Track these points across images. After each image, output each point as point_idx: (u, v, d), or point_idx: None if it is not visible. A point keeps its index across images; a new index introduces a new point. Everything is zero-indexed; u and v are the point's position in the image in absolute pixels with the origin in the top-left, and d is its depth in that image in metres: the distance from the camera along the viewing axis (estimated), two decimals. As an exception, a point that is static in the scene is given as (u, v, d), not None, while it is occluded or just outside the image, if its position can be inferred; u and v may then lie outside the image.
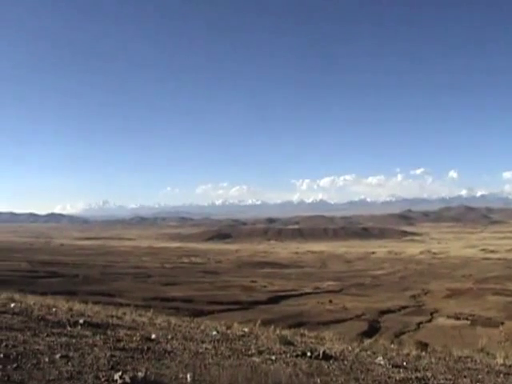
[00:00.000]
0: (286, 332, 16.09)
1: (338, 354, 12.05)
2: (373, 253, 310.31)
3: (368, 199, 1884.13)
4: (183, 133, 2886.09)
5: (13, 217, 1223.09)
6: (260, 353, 11.46)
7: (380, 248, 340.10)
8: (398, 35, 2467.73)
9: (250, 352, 11.46)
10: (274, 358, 10.91)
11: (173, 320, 17.57)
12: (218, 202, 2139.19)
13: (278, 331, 15.91)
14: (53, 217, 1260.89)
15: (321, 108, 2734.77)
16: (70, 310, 16.94)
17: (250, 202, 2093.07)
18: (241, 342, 12.92)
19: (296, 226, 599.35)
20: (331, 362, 11.04)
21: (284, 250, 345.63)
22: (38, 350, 9.73)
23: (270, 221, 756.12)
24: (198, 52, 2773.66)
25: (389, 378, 9.89)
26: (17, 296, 20.76)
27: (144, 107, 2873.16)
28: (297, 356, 11.32)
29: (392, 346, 15.26)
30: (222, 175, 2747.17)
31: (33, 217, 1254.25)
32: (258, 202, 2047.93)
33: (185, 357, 10.20)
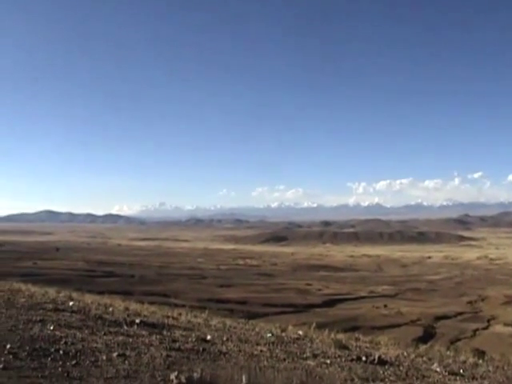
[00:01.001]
0: (340, 336, 16.00)
1: (393, 360, 11.93)
2: (429, 257, 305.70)
3: (425, 203, 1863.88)
4: (241, 135, 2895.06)
5: (71, 217, 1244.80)
6: (315, 356, 11.42)
7: (436, 253, 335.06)
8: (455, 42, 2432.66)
9: (304, 355, 11.42)
10: (328, 361, 10.86)
11: (228, 321, 17.61)
12: (274, 205, 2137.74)
13: (332, 335, 15.83)
14: (110, 217, 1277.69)
15: (378, 111, 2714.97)
16: (127, 309, 17.13)
17: (305, 204, 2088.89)
18: (296, 345, 12.89)
19: (352, 230, 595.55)
20: (386, 367, 10.93)
21: (339, 253, 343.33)
22: (95, 347, 9.89)
23: (326, 224, 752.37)
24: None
25: (445, 385, 9.76)
26: (75, 295, 21.09)
27: (202, 109, 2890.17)
28: (352, 360, 11.25)
29: (448, 352, 14.99)
30: (278, 178, 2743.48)
31: (90, 217, 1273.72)
32: (314, 205, 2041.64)
33: (240, 359, 10.23)
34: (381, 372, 10.25)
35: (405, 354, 13.40)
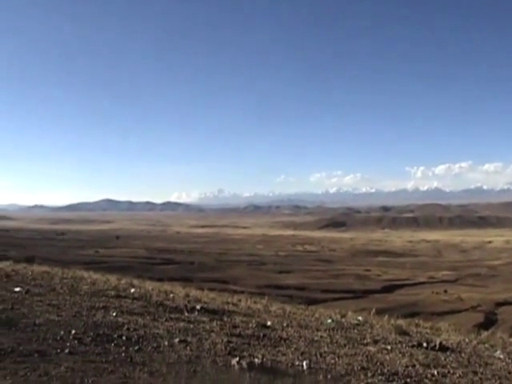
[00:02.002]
0: (400, 322, 15.88)
1: (454, 346, 11.78)
2: (489, 242, 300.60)
3: (484, 187, 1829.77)
4: (298, 121, 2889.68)
5: (131, 205, 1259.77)
6: (375, 342, 11.38)
7: (497, 237, 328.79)
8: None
9: (365, 341, 11.39)
10: (389, 347, 10.81)
11: (287, 307, 17.63)
12: (332, 190, 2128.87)
13: (392, 321, 15.73)
14: (169, 205, 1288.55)
15: (437, 95, 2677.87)
16: (187, 296, 17.27)
17: (363, 189, 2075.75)
18: (356, 331, 12.86)
19: (410, 215, 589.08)
20: (448, 353, 10.80)
21: (398, 238, 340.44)
22: (157, 333, 10.03)
23: (385, 209, 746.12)
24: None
25: (509, 373, 9.57)
26: (136, 282, 21.35)
27: (258, 96, 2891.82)
28: (412, 346, 11.16)
29: (511, 339, 14.75)
30: (336, 163, 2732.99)
31: (149, 205, 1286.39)
32: (372, 190, 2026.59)
33: (300, 344, 10.26)
34: (442, 358, 10.14)
35: (466, 340, 13.21)
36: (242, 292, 36.69)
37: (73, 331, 9.35)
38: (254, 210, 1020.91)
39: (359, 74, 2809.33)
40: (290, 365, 8.38)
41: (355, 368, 8.50)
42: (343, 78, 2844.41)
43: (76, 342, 8.74)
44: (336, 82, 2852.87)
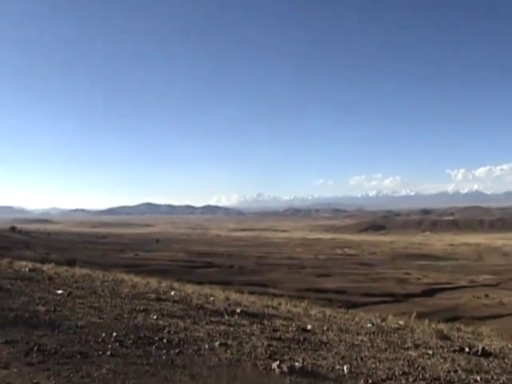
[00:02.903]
0: (441, 326, 15.69)
1: (497, 352, 11.54)
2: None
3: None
4: (336, 125, 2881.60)
5: (171, 209, 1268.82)
6: (416, 347, 11.26)
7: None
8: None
9: (406, 345, 11.28)
10: (430, 352, 10.68)
11: (327, 311, 17.57)
12: (372, 194, 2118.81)
13: (433, 325, 15.57)
14: (208, 209, 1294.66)
15: (477, 96, 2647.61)
16: (227, 299, 17.31)
17: (403, 192, 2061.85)
18: (396, 335, 12.75)
19: (451, 218, 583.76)
20: (491, 359, 10.59)
21: (439, 241, 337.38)
22: (198, 336, 10.06)
23: (425, 212, 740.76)
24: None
25: (554, 379, 9.41)
26: (176, 285, 21.47)
27: (297, 99, 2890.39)
28: (454, 351, 10.99)
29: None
30: (376, 166, 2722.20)
31: (189, 209, 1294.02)
32: (412, 193, 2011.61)
33: (341, 348, 10.20)
34: (485, 364, 9.94)
35: (509, 346, 12.97)
36: (282, 295, 36.52)
37: (114, 333, 9.44)
38: (294, 213, 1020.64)
39: (401, 78, 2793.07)
40: (330, 369, 8.33)
41: (396, 373, 8.42)
42: (387, 82, 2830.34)
43: (117, 344, 8.81)
44: (376, 86, 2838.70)
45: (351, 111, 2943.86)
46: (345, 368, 8.33)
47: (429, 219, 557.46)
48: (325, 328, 12.62)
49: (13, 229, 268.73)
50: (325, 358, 9.14)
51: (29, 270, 19.54)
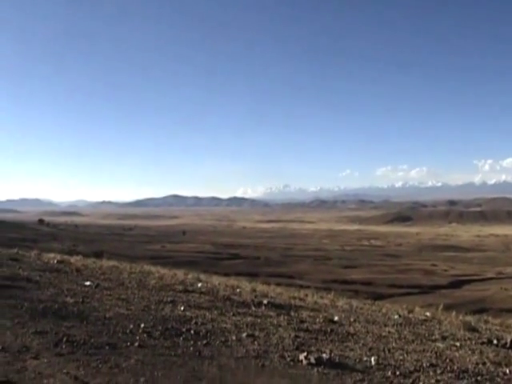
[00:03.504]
0: (469, 318, 15.59)
1: (526, 344, 11.50)
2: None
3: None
4: (363, 116, 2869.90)
5: (197, 201, 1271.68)
6: (444, 338, 11.20)
7: None
8: None
9: (433, 337, 11.23)
10: (458, 344, 10.61)
11: (354, 302, 17.53)
12: (398, 185, 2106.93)
13: (460, 317, 15.47)
14: (235, 200, 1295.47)
15: (504, 88, 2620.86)
16: (254, 290, 17.33)
17: (430, 183, 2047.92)
18: (423, 327, 12.70)
19: (478, 209, 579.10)
20: (520, 351, 10.55)
21: (465, 233, 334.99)
22: (225, 328, 10.10)
23: (451, 203, 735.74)
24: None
25: None
26: (202, 276, 21.53)
27: (326, 93, 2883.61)
28: (482, 343, 10.91)
29: None
30: (402, 157, 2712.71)
31: (216, 200, 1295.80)
32: (439, 184, 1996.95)
33: (368, 340, 10.18)
34: (514, 356, 9.89)
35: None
36: (308, 287, 36.65)
37: (142, 325, 9.51)
38: (320, 204, 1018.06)
39: (427, 70, 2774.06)
40: (357, 360, 8.32)
41: (424, 365, 8.39)
42: (413, 73, 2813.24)
43: (145, 335, 8.88)
44: (403, 77, 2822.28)
45: (377, 102, 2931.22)
46: (372, 359, 8.31)
47: (455, 210, 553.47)
48: (352, 319, 12.61)
49: (41, 221, 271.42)
50: (352, 350, 9.13)
51: (57, 261, 19.73)
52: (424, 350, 9.61)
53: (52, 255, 23.70)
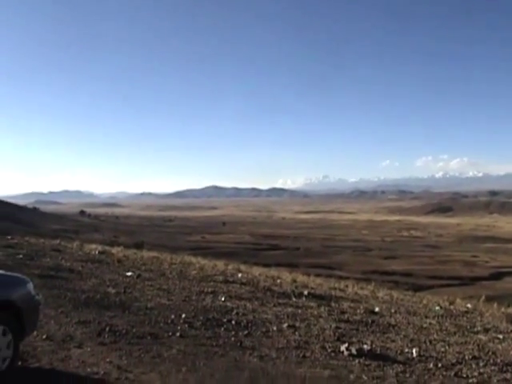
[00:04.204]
0: (511, 310, 15.45)
1: None
2: None
3: None
4: (402, 106, 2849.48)
5: (236, 192, 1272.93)
6: (486, 330, 11.12)
7: None
8: None
9: (475, 329, 11.15)
10: (501, 336, 10.53)
11: (394, 294, 17.50)
12: (438, 175, 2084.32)
13: (503, 309, 15.34)
14: (274, 191, 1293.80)
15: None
16: (294, 281, 17.37)
17: (470, 174, 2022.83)
18: (465, 319, 12.63)
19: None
20: None
21: (507, 224, 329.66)
22: (266, 318, 10.16)
23: (493, 193, 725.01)
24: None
25: None
26: (243, 267, 21.65)
27: (369, 84, 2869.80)
28: (526, 336, 10.83)
29: None
30: (443, 147, 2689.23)
31: (255, 191, 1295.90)
32: (480, 174, 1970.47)
33: (409, 331, 10.15)
34: (558, 349, 9.76)
35: None
36: (348, 278, 36.44)
37: (183, 315, 9.61)
38: (360, 195, 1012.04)
39: (469, 62, 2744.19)
40: (399, 352, 8.31)
41: (466, 357, 8.33)
42: (454, 66, 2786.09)
43: (187, 325, 8.99)
44: (444, 67, 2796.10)
45: (417, 92, 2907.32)
46: (414, 351, 8.28)
47: (497, 201, 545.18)
48: (392, 310, 12.58)
49: (82, 213, 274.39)
50: (393, 341, 9.12)
51: (98, 252, 19.99)
52: (466, 343, 9.55)
53: (93, 246, 24.03)
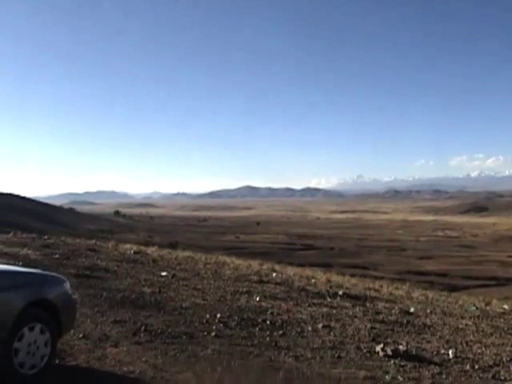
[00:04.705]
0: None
1: None
2: None
3: None
4: (436, 105, 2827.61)
5: (271, 192, 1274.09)
6: (524, 332, 11.00)
7: None
8: None
9: (512, 331, 11.04)
10: (541, 338, 10.41)
11: (430, 294, 17.37)
12: (474, 174, 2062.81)
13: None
14: (308, 191, 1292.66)
15: None
16: (328, 281, 17.34)
17: (507, 173, 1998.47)
18: (502, 320, 12.50)
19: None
20: None
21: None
22: (301, 318, 10.16)
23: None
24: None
25: None
26: (277, 267, 21.65)
27: (401, 83, 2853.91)
28: None
29: None
30: (478, 146, 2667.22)
31: (289, 191, 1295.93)
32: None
33: (445, 332, 10.07)
34: None
35: None
36: (382, 278, 36.32)
37: (218, 315, 9.65)
38: (394, 195, 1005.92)
39: (500, 58, 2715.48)
40: (435, 353, 8.25)
41: (504, 359, 8.24)
42: (486, 62, 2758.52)
43: (221, 325, 9.03)
44: (476, 67, 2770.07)
45: (452, 90, 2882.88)
46: (450, 352, 8.21)
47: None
48: (428, 311, 12.51)
49: (117, 213, 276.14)
50: (429, 342, 9.06)
51: (133, 252, 20.12)
52: (503, 344, 9.46)
53: (128, 246, 24.19)
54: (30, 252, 16.57)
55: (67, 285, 6.68)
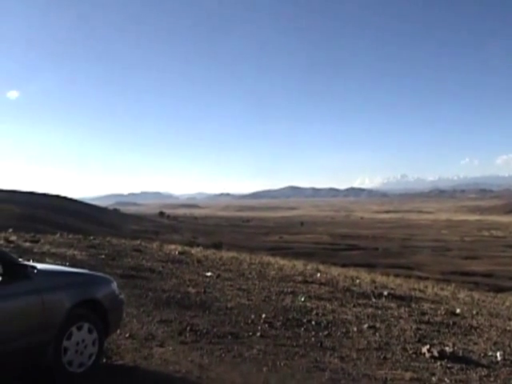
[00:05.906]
0: None
1: None
2: None
3: None
4: (481, 104, 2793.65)
5: (314, 192, 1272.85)
6: None
7: None
8: None
9: None
10: None
11: (475, 295, 17.17)
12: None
13: None
14: (352, 191, 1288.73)
15: None
16: (373, 281, 17.24)
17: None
18: (551, 322, 12.30)
19: None
20: None
21: None
22: (345, 319, 10.13)
23: None
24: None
25: None
26: (321, 267, 21.59)
27: (444, 81, 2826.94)
28: None
29: None
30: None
31: (333, 191, 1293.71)
32: None
33: (492, 334, 9.94)
34: None
35: None
36: (427, 278, 35.94)
37: (263, 315, 9.69)
38: (439, 194, 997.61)
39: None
40: (482, 355, 8.14)
41: (553, 363, 8.11)
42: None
43: (267, 325, 9.06)
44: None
45: (497, 89, 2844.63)
46: (498, 354, 8.10)
47: None
48: (474, 312, 12.34)
49: (161, 214, 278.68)
50: (476, 344, 8.94)
51: (178, 253, 20.27)
52: (551, 347, 9.30)
53: (173, 246, 24.39)
54: (76, 252, 16.84)
55: (114, 285, 6.78)
